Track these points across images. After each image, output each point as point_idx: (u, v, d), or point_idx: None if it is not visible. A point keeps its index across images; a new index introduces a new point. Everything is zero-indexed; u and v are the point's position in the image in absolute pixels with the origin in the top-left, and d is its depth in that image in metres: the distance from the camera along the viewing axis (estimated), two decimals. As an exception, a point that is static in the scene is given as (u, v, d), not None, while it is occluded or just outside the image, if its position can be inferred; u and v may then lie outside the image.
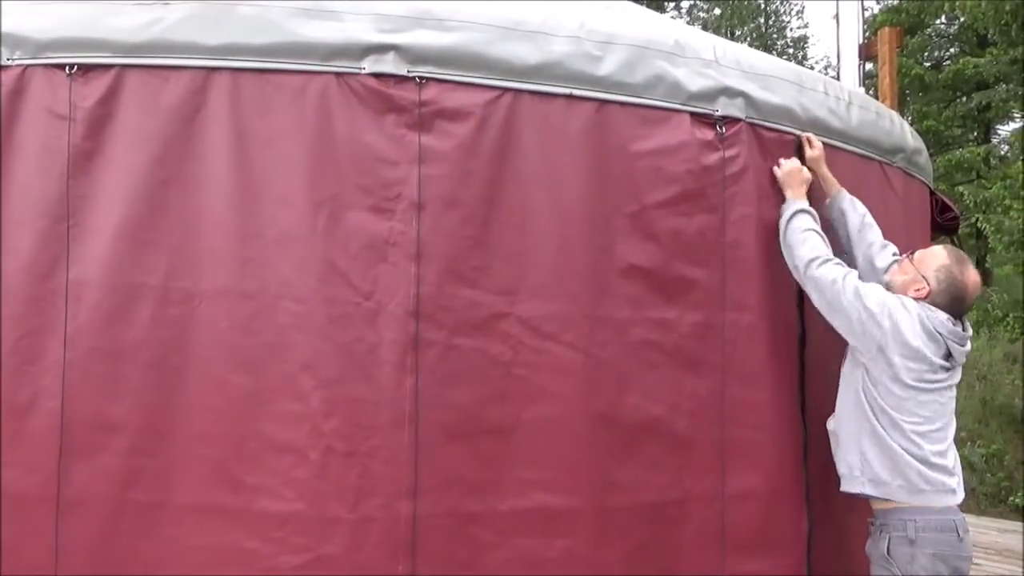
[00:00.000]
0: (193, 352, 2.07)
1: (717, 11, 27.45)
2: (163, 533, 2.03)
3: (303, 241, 2.11)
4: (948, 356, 2.31)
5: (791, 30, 27.80)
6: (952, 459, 2.35)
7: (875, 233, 2.64)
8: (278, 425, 2.05)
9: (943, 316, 2.32)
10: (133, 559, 2.03)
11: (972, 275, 2.38)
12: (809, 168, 2.65)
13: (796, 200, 2.56)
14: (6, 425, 2.03)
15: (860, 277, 2.42)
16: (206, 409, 2.06)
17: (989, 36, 12.66)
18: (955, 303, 2.35)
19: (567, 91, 2.35)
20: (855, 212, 2.66)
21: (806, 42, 27.96)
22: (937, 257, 2.40)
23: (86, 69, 2.10)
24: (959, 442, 3.24)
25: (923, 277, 2.37)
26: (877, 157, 3.12)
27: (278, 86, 2.16)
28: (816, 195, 2.69)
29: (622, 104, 2.42)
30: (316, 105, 2.16)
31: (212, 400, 2.06)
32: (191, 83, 2.12)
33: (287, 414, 2.05)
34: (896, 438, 2.29)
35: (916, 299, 2.35)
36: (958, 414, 2.49)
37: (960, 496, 2.35)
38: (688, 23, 27.54)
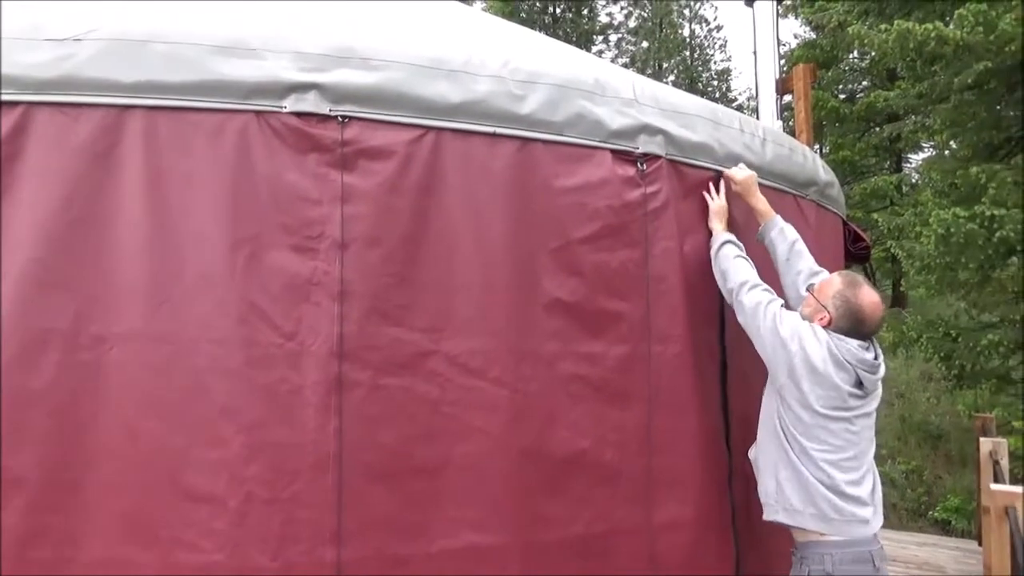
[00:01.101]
0: (104, 399, 1.99)
1: (644, 44, 28.26)
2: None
3: (222, 282, 2.06)
4: (859, 384, 2.38)
5: (715, 63, 28.81)
6: (867, 488, 2.38)
7: (804, 261, 2.70)
8: (195, 473, 1.98)
9: (853, 344, 2.38)
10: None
11: (867, 296, 2.42)
12: (740, 199, 2.75)
13: (723, 233, 2.66)
14: None
15: (789, 305, 2.50)
16: (118, 458, 1.98)
17: (897, 71, 13.37)
18: (857, 325, 2.40)
19: (490, 129, 2.38)
20: (784, 241, 2.73)
21: (729, 74, 29.01)
22: (832, 284, 2.48)
23: (-8, 106, 2.02)
24: (879, 459, 3.34)
25: (823, 306, 2.44)
26: (791, 190, 3.25)
27: (196, 124, 2.12)
28: (750, 224, 2.79)
29: (545, 142, 2.46)
30: (235, 144, 2.13)
31: (124, 449, 1.98)
32: (103, 121, 2.06)
33: (204, 461, 1.98)
34: (807, 466, 2.33)
35: (824, 328, 2.42)
36: (878, 431, 2.55)
37: (876, 525, 2.38)
38: (616, 56, 28.24)
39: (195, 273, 2.06)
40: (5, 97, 2.02)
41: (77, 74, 2.06)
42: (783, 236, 2.75)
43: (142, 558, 1.94)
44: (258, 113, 2.15)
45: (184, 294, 2.05)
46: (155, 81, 2.10)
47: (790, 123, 9.12)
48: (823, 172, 3.64)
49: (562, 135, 2.49)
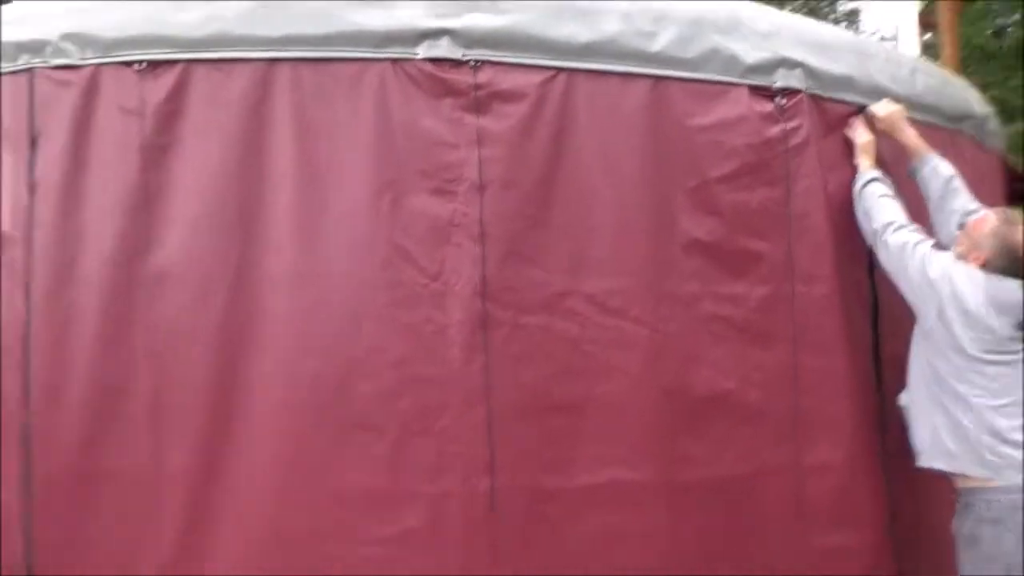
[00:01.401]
0: (263, 337, 2.12)
1: (765, -13, 26.77)
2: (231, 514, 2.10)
3: (367, 226, 2.14)
4: (1021, 327, 2.23)
5: (842, 2, 26.83)
6: None
7: (960, 199, 2.54)
8: (352, 405, 2.09)
9: (1013, 284, 2.23)
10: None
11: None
12: (888, 135, 2.61)
13: (869, 170, 2.53)
14: (104, 408, 2.10)
15: (942, 247, 2.37)
16: (278, 392, 2.11)
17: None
18: (1014, 264, 2.26)
19: (622, 69, 2.34)
20: (937, 178, 2.58)
21: (858, 16, 27.00)
22: (987, 222, 2.34)
23: (154, 65, 2.16)
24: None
25: (977, 245, 2.30)
26: (944, 124, 3.04)
27: (336, 74, 2.19)
28: (900, 161, 2.64)
29: (678, 80, 2.40)
30: (374, 92, 2.19)
31: (282, 383, 2.11)
32: (253, 75, 2.17)
33: (360, 394, 2.08)
34: (963, 412, 2.21)
35: (979, 268, 2.28)
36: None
37: None
38: None
39: (341, 219, 2.15)
40: (165, 56, 2.16)
41: (227, 31, 2.18)
42: (936, 173, 2.59)
43: (307, 481, 2.07)
44: (393, 61, 2.20)
45: (332, 238, 2.14)
46: (297, 34, 2.18)
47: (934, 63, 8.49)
48: (979, 105, 3.38)
49: (696, 72, 2.42)
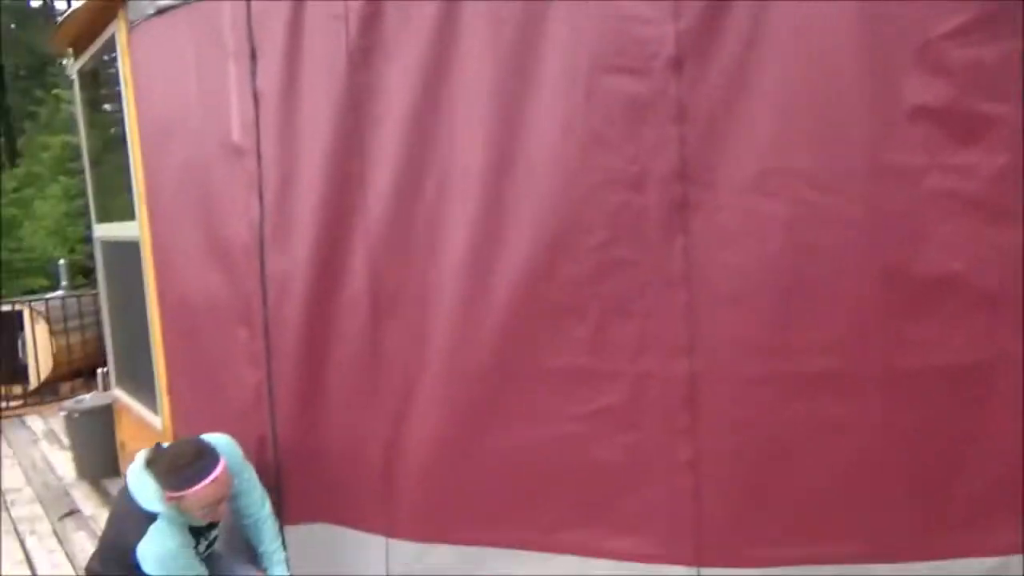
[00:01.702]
0: (455, 226, 2.23)
1: None
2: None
3: (566, 110, 2.12)
4: None
5: None
6: None
7: None
8: (557, 289, 2.14)
9: None
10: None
11: None
12: None
13: None
14: (322, 306, 2.37)
15: None
16: (483, 278, 2.22)
17: None
18: None
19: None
20: None
21: None
22: None
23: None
24: None
25: None
26: None
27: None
28: None
29: (898, -75, 2.12)
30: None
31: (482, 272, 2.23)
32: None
33: (563, 278, 2.13)
34: None
35: None
36: None
37: None
38: None
39: (541, 105, 2.15)
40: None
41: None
42: None
43: (508, 366, 2.20)
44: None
45: (529, 124, 2.16)
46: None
47: None
48: None
49: (919, -86, 2.13)
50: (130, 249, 3.68)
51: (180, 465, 2.32)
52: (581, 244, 2.10)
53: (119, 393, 4.74)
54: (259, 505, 2.68)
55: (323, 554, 2.68)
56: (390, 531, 2.49)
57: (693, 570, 2.07)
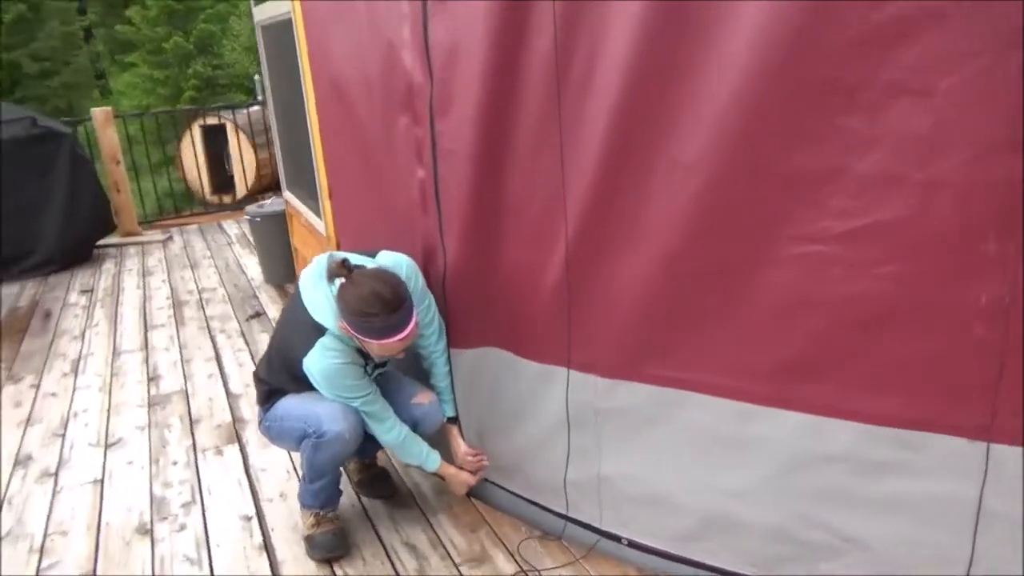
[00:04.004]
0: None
1: None
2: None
3: None
4: None
5: None
6: None
7: None
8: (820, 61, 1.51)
9: None
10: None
11: None
12: None
13: None
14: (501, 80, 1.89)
15: None
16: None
17: None
18: None
19: None
20: None
21: None
22: None
23: None
24: None
25: None
26: None
27: None
28: None
29: None
30: None
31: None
32: None
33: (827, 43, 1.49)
34: None
35: None
36: None
37: None
38: None
39: None
40: None
41: None
42: None
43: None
44: None
45: None
46: None
47: None
48: None
49: None
50: (285, 30, 3.37)
51: (371, 313, 2.00)
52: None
53: (289, 196, 4.65)
54: (435, 339, 2.41)
55: (494, 381, 2.38)
56: (575, 364, 2.13)
57: (981, 444, 1.52)
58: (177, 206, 8.43)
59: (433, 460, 2.40)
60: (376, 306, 2.00)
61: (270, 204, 5.05)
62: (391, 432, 2.29)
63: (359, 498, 2.71)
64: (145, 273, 5.72)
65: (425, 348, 2.42)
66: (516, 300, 2.21)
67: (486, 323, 2.34)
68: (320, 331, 2.14)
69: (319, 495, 2.41)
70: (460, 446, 2.51)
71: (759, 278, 1.68)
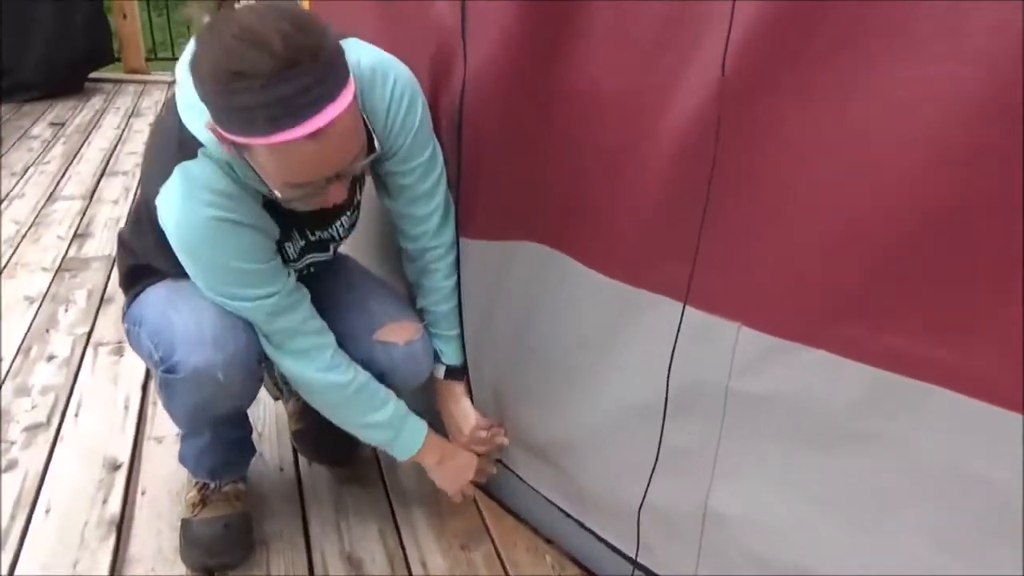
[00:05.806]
0: None
1: None
2: None
3: None
4: None
5: None
6: None
7: None
8: None
9: None
10: None
11: None
12: None
13: None
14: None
15: None
16: None
17: None
18: None
19: None
20: None
21: None
22: None
23: None
24: None
25: None
26: None
27: None
28: None
29: None
30: None
31: None
32: None
33: None
34: None
35: None
36: None
37: None
38: None
39: None
40: None
41: None
42: None
43: None
44: None
45: None
46: None
47: None
48: None
49: None
50: None
51: (237, 73, 0.88)
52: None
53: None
54: (436, 224, 1.30)
55: (531, 301, 1.29)
56: (697, 298, 1.02)
57: None
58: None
59: (411, 438, 1.36)
60: (246, 57, 0.87)
61: None
62: (324, 378, 1.23)
63: (295, 458, 1.69)
64: (134, 114, 4.71)
65: (417, 239, 1.32)
66: (593, 162, 1.09)
67: (528, 198, 1.22)
68: (187, 147, 1.07)
69: (201, 458, 1.39)
70: (469, 416, 1.44)
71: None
